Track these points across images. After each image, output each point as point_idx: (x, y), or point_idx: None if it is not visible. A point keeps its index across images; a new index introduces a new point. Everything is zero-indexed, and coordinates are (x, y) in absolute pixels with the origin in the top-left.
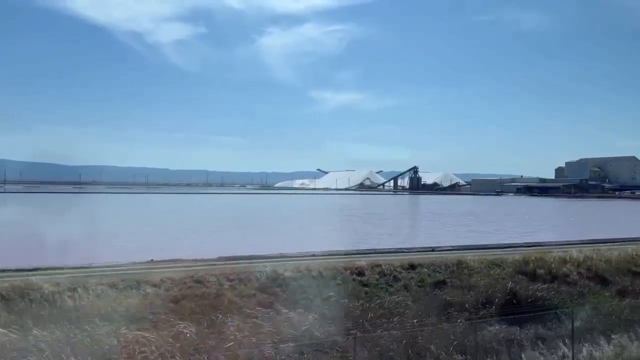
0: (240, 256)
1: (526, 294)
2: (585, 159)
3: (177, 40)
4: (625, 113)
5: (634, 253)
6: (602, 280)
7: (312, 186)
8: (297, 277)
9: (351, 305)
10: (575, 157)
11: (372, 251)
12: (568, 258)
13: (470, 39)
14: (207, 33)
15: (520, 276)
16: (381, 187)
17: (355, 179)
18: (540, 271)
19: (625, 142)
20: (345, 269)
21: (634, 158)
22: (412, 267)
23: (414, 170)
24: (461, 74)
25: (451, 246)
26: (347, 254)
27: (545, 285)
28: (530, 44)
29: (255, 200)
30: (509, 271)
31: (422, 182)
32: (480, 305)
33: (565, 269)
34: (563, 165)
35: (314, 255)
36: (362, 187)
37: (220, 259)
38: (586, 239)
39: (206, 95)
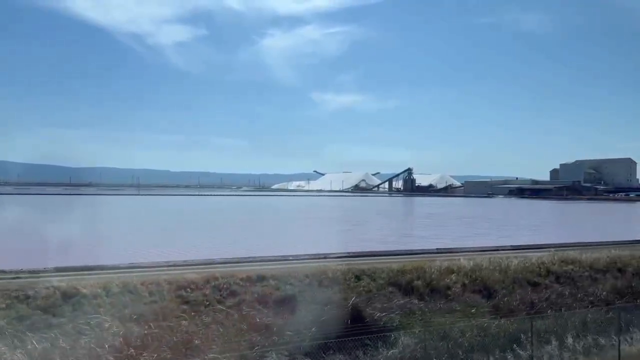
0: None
1: (372, 312)
2: (581, 161)
3: (178, 42)
4: (626, 114)
5: (538, 261)
6: (489, 293)
7: (307, 188)
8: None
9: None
10: (575, 159)
11: (244, 260)
12: (455, 268)
13: (470, 40)
14: (207, 35)
15: (391, 288)
16: (376, 188)
17: (351, 180)
18: (418, 282)
19: (626, 144)
20: (170, 283)
21: (629, 160)
22: (261, 279)
23: (409, 171)
24: (461, 75)
25: (346, 253)
26: (208, 263)
27: (403, 302)
28: (530, 45)
29: (235, 201)
30: (379, 283)
31: (417, 184)
32: (308, 328)
33: (448, 280)
34: (558, 167)
35: (158, 266)
36: (356, 189)
37: None
38: (520, 244)
39: (207, 97)
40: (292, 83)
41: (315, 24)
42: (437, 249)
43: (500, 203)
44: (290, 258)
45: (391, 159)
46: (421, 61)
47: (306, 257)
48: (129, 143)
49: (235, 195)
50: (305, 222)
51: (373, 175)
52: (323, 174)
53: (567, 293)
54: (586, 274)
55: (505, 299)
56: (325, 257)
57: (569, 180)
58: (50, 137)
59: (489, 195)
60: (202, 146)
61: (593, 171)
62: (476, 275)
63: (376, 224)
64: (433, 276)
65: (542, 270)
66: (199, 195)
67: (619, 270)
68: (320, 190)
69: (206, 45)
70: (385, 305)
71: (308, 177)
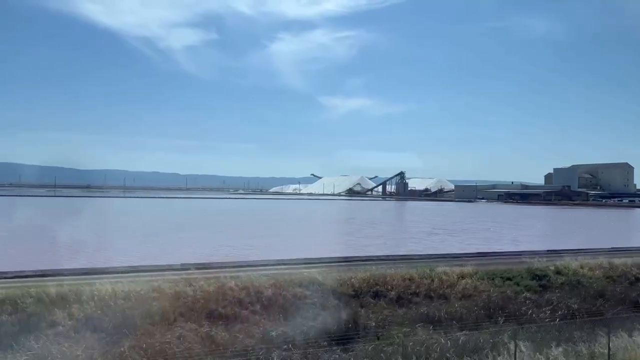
0: None
1: None
2: (577, 165)
3: (188, 46)
4: (635, 119)
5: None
6: None
7: (304, 191)
8: None
9: None
10: (578, 163)
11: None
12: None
13: (479, 45)
14: (217, 39)
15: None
16: (370, 192)
17: (347, 184)
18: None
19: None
20: None
21: (626, 164)
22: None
23: (401, 175)
24: (469, 79)
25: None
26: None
27: None
28: (538, 50)
29: (212, 204)
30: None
31: (411, 188)
32: None
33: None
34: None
35: None
36: (350, 193)
37: None
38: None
39: (217, 101)
40: (301, 87)
41: (325, 28)
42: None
43: (471, 208)
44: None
45: (398, 164)
46: (430, 66)
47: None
48: (138, 146)
49: (223, 198)
50: (262, 225)
51: (370, 179)
52: (320, 178)
53: None
54: None
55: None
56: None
57: (564, 185)
58: (61, 140)
59: (473, 200)
60: (212, 150)
61: (589, 176)
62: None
63: (312, 232)
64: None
65: None
66: (185, 198)
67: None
68: (311, 194)
69: (216, 49)
70: None
71: (307, 181)
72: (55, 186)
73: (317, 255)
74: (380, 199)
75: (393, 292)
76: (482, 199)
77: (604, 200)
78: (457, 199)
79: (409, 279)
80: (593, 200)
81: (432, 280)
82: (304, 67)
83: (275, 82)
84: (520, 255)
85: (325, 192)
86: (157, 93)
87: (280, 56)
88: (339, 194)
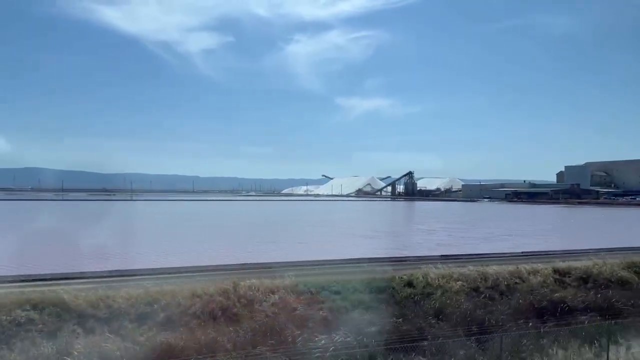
0: None
1: None
2: (590, 163)
3: (205, 49)
4: None
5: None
6: None
7: (316, 192)
8: None
9: None
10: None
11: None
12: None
13: (496, 43)
14: (234, 42)
15: None
16: (379, 192)
17: (358, 184)
18: None
19: None
20: None
21: None
22: None
23: (409, 175)
24: (491, 78)
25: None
26: None
27: None
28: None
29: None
30: None
31: (422, 188)
32: None
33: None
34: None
35: None
36: (360, 193)
37: None
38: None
39: (235, 104)
40: (317, 88)
41: (340, 29)
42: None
43: (467, 207)
44: None
45: (414, 165)
46: (447, 65)
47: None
48: (159, 150)
49: (233, 200)
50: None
51: (383, 179)
52: (332, 178)
53: None
54: None
55: None
56: None
57: (573, 183)
58: (84, 145)
59: (475, 199)
60: (231, 153)
61: (603, 174)
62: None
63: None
64: None
65: None
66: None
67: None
68: (318, 195)
69: (233, 52)
70: None
71: (321, 182)
72: (74, 190)
73: None
74: (390, 199)
75: None
76: (489, 198)
77: (614, 199)
78: (462, 199)
79: None
80: (605, 198)
81: None
82: (320, 69)
83: (291, 84)
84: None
85: (334, 193)
86: (176, 97)
87: (296, 58)
88: (347, 195)
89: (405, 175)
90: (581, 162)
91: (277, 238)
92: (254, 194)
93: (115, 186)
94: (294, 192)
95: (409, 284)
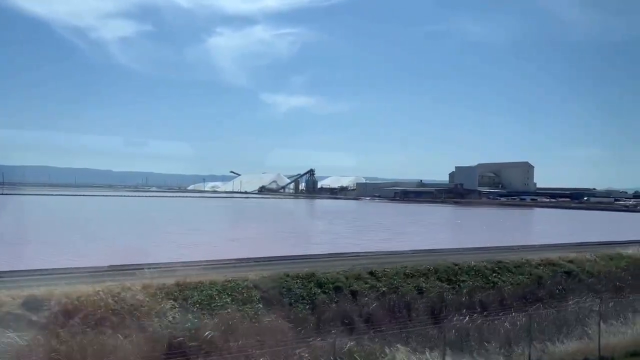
0: None
1: None
2: (481, 164)
3: (122, 37)
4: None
5: None
6: None
7: (222, 189)
8: None
9: None
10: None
11: None
12: None
13: (418, 46)
14: (154, 31)
15: None
16: (282, 190)
17: (264, 181)
18: None
19: (579, 151)
20: None
21: (526, 163)
22: None
23: (310, 173)
24: (411, 80)
25: None
26: None
27: None
28: (475, 51)
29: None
30: None
31: (324, 186)
32: None
33: None
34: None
35: None
36: (263, 190)
37: None
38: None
39: (152, 96)
40: (242, 83)
41: (265, 24)
42: None
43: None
44: None
45: (331, 163)
46: (372, 65)
47: None
48: (70, 142)
49: (127, 196)
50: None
51: (291, 177)
52: (239, 175)
53: None
54: None
55: None
56: None
57: (458, 183)
58: None
59: (359, 198)
60: (146, 146)
61: (492, 175)
62: None
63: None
64: None
65: None
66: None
67: None
68: (215, 192)
69: (153, 42)
70: None
71: (227, 178)
72: None
73: None
74: (292, 197)
75: None
76: (379, 196)
77: (498, 199)
78: (351, 197)
79: None
80: (488, 198)
81: None
82: (245, 63)
83: (215, 77)
84: None
85: (239, 190)
86: (88, 86)
87: (220, 51)
88: (250, 192)
89: (306, 173)
90: (486, 162)
91: None
92: (155, 189)
93: (10, 179)
94: (198, 189)
95: None
